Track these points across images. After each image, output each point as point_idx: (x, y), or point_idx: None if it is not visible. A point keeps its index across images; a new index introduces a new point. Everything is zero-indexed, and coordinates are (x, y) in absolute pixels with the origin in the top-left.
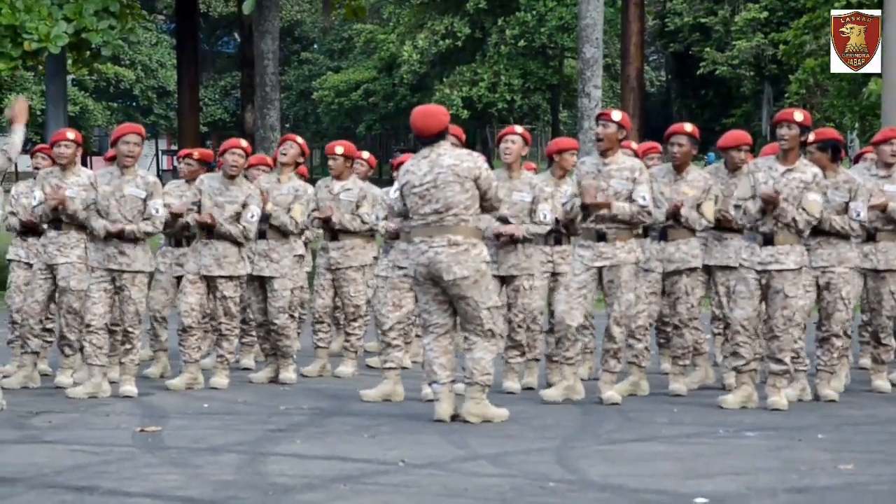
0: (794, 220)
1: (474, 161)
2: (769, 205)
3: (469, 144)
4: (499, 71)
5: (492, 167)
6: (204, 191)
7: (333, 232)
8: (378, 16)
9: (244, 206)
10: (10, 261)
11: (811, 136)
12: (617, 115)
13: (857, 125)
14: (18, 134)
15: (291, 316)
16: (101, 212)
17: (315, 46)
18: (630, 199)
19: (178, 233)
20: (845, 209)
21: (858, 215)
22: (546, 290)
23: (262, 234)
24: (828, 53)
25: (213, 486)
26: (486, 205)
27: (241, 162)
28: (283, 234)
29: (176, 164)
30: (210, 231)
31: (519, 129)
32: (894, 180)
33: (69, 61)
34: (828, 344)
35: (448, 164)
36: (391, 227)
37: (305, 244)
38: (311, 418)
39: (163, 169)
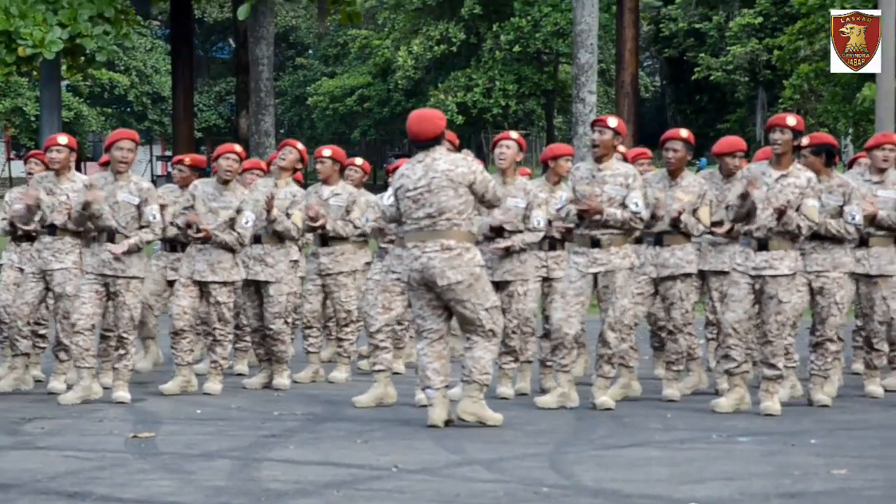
0: (798, 226)
1: (468, 166)
2: (780, 216)
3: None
4: (493, 76)
5: None
6: (198, 196)
7: (324, 237)
8: (373, 21)
9: (238, 211)
10: (0, 265)
11: (805, 141)
12: (613, 121)
13: (850, 130)
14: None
15: (286, 321)
16: (94, 218)
17: (310, 52)
18: (623, 205)
19: (172, 237)
20: (840, 213)
21: (854, 218)
22: (539, 293)
23: (257, 239)
24: (822, 59)
25: (206, 491)
26: (486, 205)
27: (235, 167)
28: (280, 238)
29: (170, 169)
30: (205, 238)
31: (514, 134)
32: (887, 185)
33: (64, 67)
34: (822, 349)
35: (443, 168)
36: (376, 226)
37: (300, 249)
38: (305, 424)
39: (157, 174)
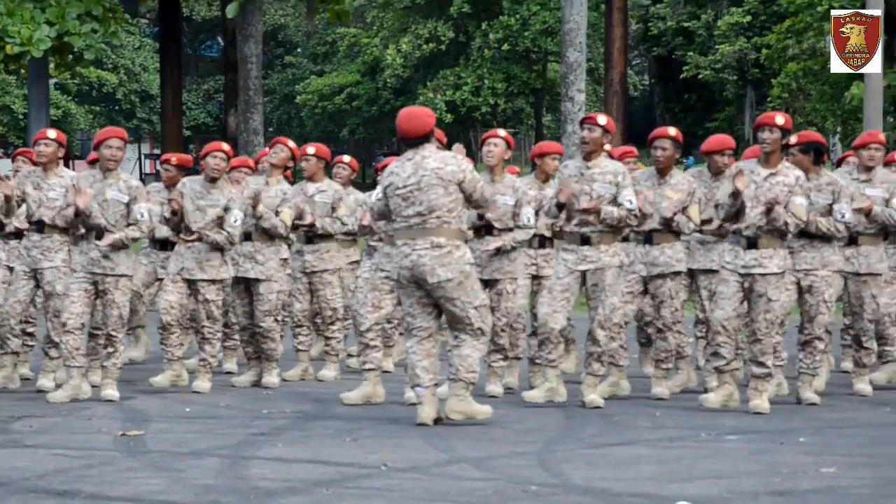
0: (785, 223)
1: (458, 164)
2: (769, 210)
3: (452, 148)
4: (482, 75)
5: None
6: (186, 194)
7: (309, 235)
8: (362, 20)
9: (226, 209)
10: None
11: (794, 139)
12: (602, 119)
13: (839, 129)
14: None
15: (276, 319)
16: (84, 216)
17: (298, 50)
18: (615, 202)
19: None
20: (829, 211)
21: (843, 216)
22: (528, 290)
23: (247, 236)
24: (810, 57)
25: (195, 490)
26: (475, 205)
27: (223, 165)
28: (270, 236)
29: (158, 167)
30: (197, 241)
31: (501, 132)
32: (875, 184)
33: (52, 65)
34: (810, 347)
35: (432, 166)
36: (365, 222)
37: (289, 246)
38: (294, 422)
39: (146, 172)
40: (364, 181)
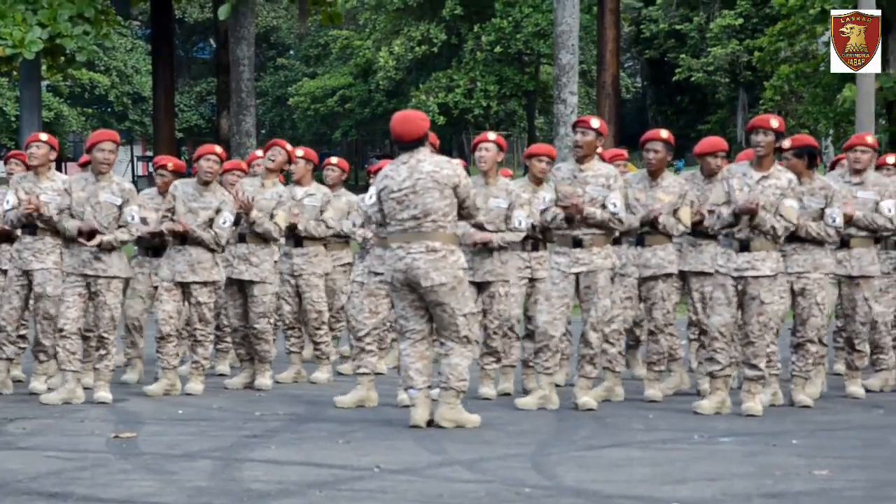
0: (773, 227)
1: (453, 169)
2: (747, 214)
3: (445, 151)
4: (475, 77)
5: (468, 173)
6: (178, 197)
7: (298, 238)
8: (354, 22)
9: (217, 212)
10: None
11: (787, 143)
12: (595, 122)
13: (831, 132)
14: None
15: (270, 321)
16: (75, 217)
17: (291, 52)
18: (603, 205)
19: (152, 241)
20: (821, 215)
21: (834, 221)
22: (523, 296)
23: (241, 238)
24: (802, 60)
25: (188, 492)
26: (464, 213)
27: (215, 168)
28: (264, 238)
29: (151, 170)
30: (183, 238)
31: (493, 135)
32: (867, 187)
33: (44, 67)
34: (802, 350)
35: (427, 170)
36: (368, 235)
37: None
38: (287, 424)
39: (138, 175)
40: (357, 183)
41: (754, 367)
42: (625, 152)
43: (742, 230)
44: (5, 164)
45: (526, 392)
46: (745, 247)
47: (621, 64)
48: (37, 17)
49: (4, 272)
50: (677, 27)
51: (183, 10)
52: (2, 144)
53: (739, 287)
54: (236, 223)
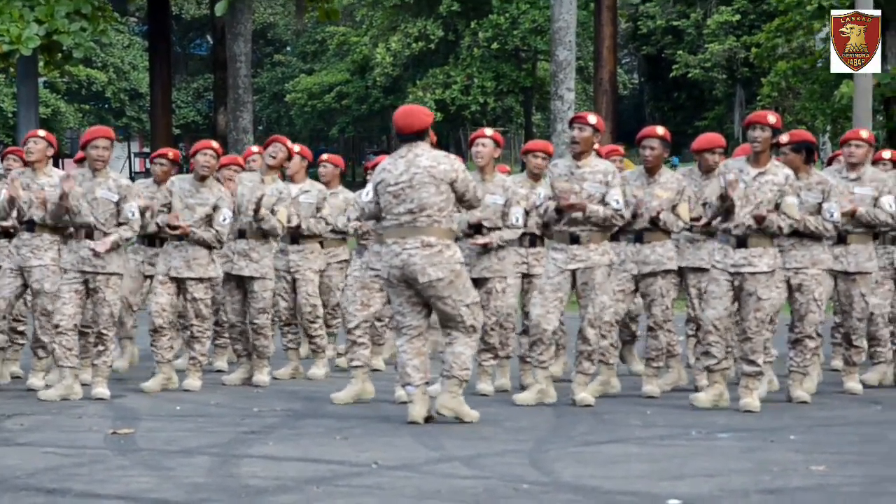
0: (779, 227)
1: (451, 164)
2: (760, 223)
3: (442, 147)
4: (472, 73)
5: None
6: (175, 192)
7: (294, 235)
8: (351, 18)
9: (215, 208)
10: None
11: (785, 138)
12: (592, 118)
13: (829, 128)
14: None
15: (269, 317)
16: (71, 213)
17: (288, 49)
18: (603, 202)
19: (151, 233)
20: (818, 210)
21: (832, 216)
22: (519, 289)
23: (241, 234)
24: (799, 56)
25: (186, 488)
26: (466, 205)
27: (212, 163)
28: (264, 234)
29: (149, 166)
30: (181, 236)
31: (489, 131)
32: (864, 182)
33: (41, 63)
34: (800, 345)
35: (425, 165)
36: (362, 229)
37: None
38: (284, 420)
39: (135, 171)
40: (354, 180)
41: (752, 363)
42: (620, 148)
43: (739, 226)
44: (2, 160)
45: (523, 388)
46: (741, 243)
47: (618, 60)
48: (34, 13)
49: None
50: (674, 23)
51: (180, 6)
52: None
53: (736, 283)
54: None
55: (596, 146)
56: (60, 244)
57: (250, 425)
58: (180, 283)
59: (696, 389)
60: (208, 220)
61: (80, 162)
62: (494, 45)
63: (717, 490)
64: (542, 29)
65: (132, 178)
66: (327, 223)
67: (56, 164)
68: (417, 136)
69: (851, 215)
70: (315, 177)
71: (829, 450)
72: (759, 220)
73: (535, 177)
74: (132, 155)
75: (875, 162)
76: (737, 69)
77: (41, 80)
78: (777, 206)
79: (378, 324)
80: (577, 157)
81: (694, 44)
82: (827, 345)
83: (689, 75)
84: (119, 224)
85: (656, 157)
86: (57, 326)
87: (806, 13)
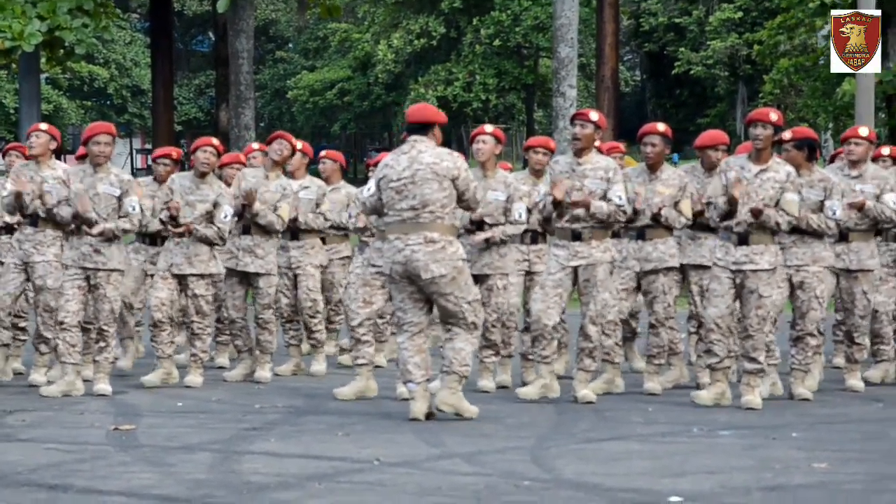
0: (777, 223)
1: (454, 161)
2: (757, 216)
3: (444, 144)
4: (474, 70)
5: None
6: (175, 190)
7: (294, 231)
8: (353, 15)
9: (215, 205)
10: None
11: (787, 134)
12: (594, 115)
13: (831, 125)
14: None
15: (273, 312)
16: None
17: (290, 45)
18: (605, 198)
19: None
20: (821, 208)
21: (834, 213)
22: (521, 287)
23: (246, 230)
24: (802, 53)
25: (187, 484)
26: (464, 205)
27: (212, 160)
28: (268, 230)
29: (150, 163)
30: (183, 234)
31: (489, 128)
32: (866, 180)
33: (43, 59)
34: (802, 343)
35: (428, 161)
36: (360, 222)
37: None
38: (286, 416)
39: (137, 167)
40: (356, 176)
41: (753, 360)
42: (621, 145)
43: (740, 224)
44: (4, 156)
45: (525, 385)
46: (743, 240)
47: (620, 57)
48: (36, 9)
49: (1, 263)
50: (676, 20)
51: (182, 2)
52: (1, 137)
53: (738, 281)
54: (239, 216)
55: (597, 143)
56: (63, 240)
57: (252, 422)
58: (182, 280)
59: (698, 387)
60: (209, 217)
61: (81, 158)
62: (496, 42)
63: (718, 487)
64: (544, 26)
65: (134, 175)
66: (326, 219)
67: (59, 160)
68: (424, 127)
69: (860, 208)
70: (316, 173)
71: (831, 447)
72: (756, 213)
73: (537, 173)
74: (134, 151)
75: (875, 159)
76: (739, 66)
77: (43, 76)
78: (777, 203)
79: (380, 321)
80: (579, 153)
81: (696, 41)
82: (829, 342)
83: (692, 72)
84: (120, 217)
85: (657, 153)
86: (61, 323)
87: (808, 10)
